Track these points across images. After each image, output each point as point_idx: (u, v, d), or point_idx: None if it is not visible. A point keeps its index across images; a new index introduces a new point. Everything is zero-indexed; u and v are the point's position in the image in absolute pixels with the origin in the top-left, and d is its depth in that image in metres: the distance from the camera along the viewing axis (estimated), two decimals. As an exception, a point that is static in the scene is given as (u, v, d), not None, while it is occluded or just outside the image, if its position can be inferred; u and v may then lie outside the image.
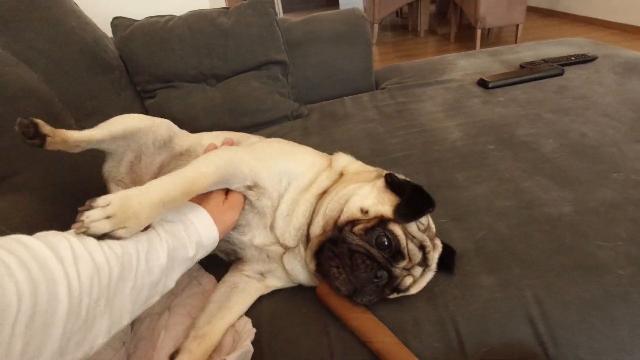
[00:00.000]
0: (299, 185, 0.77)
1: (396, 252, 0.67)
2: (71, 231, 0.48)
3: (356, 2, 5.75)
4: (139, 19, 1.52)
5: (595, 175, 0.96)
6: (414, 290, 0.72)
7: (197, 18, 1.48)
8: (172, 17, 1.51)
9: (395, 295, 0.71)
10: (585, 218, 0.84)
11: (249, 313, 0.77)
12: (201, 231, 0.63)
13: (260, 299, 0.79)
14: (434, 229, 0.76)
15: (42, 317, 0.37)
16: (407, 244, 0.68)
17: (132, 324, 0.78)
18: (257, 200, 0.75)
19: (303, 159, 0.81)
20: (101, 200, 0.51)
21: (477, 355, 0.66)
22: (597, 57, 1.63)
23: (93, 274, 0.44)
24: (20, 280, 0.37)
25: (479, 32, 3.98)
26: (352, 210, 0.70)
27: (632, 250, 0.76)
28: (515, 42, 3.99)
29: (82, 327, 0.42)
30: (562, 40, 1.94)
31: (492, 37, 4.66)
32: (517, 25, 4.02)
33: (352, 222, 0.69)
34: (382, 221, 0.68)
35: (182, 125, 1.46)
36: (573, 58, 1.61)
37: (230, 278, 0.79)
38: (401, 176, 0.77)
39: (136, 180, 0.94)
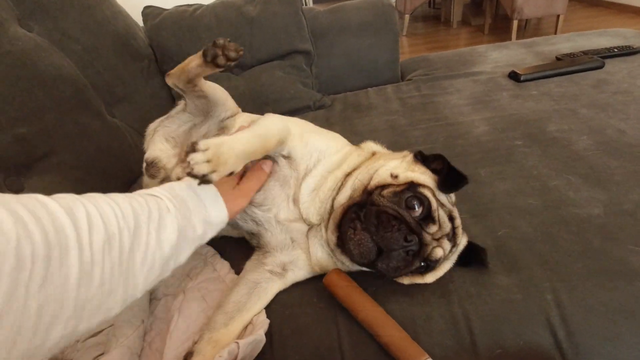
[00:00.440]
0: (328, 163, 0.78)
1: (427, 215, 0.67)
2: (92, 196, 0.49)
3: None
4: (169, 7, 1.55)
5: (631, 175, 0.90)
6: (430, 279, 0.71)
7: (224, 7, 1.50)
8: (200, 5, 1.53)
9: (412, 279, 0.70)
10: (617, 220, 0.79)
11: (261, 300, 0.78)
12: (210, 210, 0.62)
13: (273, 287, 0.80)
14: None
15: (55, 281, 0.38)
16: (437, 209, 0.68)
17: (150, 303, 0.81)
18: (285, 169, 0.77)
19: (335, 140, 0.84)
20: (201, 144, 0.58)
21: (491, 357, 0.64)
22: (644, 50, 1.52)
23: (105, 243, 0.44)
24: (36, 240, 0.37)
25: (515, 23, 3.80)
26: (382, 176, 0.72)
27: (668, 256, 0.71)
28: (555, 34, 3.77)
29: (96, 294, 0.43)
30: (604, 31, 1.81)
31: (530, 29, 4.42)
32: (558, 16, 3.80)
33: (382, 187, 0.70)
34: (412, 184, 0.69)
35: (206, 113, 1.49)
36: (615, 50, 1.51)
37: (252, 275, 0.77)
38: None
39: (183, 142, 0.95)
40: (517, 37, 3.87)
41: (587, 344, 0.63)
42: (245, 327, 0.72)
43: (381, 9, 1.66)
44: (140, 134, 1.34)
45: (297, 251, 0.78)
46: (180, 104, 0.98)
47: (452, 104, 1.36)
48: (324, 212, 0.75)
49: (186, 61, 0.85)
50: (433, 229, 0.67)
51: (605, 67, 1.43)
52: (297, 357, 0.68)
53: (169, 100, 1.55)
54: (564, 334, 0.64)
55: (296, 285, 0.79)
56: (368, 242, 0.65)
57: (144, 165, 0.94)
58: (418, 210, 0.67)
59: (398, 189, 0.68)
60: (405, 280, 0.71)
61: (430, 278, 0.71)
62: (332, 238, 0.72)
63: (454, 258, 0.73)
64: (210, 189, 0.65)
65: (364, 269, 0.73)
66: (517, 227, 0.81)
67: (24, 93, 0.95)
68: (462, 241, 0.74)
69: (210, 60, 0.75)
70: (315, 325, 0.72)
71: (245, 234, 0.84)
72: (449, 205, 0.70)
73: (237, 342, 0.63)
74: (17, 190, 0.90)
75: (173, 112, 1.00)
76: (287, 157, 0.77)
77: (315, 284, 0.78)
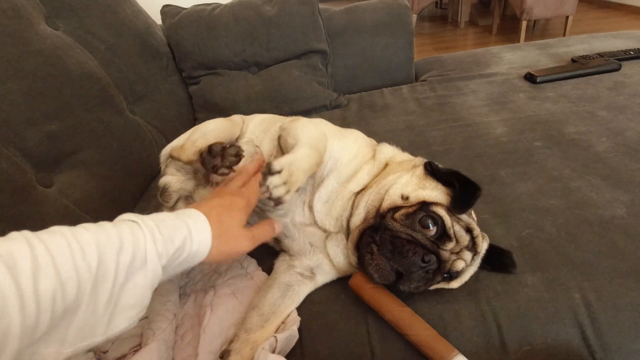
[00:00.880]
0: (339, 174, 0.77)
1: (442, 234, 0.67)
2: (53, 233, 0.44)
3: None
4: (187, 7, 1.56)
5: (654, 177, 0.91)
6: (456, 284, 0.71)
7: (242, 6, 1.51)
8: (218, 5, 1.55)
9: (437, 285, 0.71)
10: (640, 221, 0.80)
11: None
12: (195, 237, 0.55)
13: (301, 283, 0.81)
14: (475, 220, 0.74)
15: None
16: (452, 225, 0.67)
17: (180, 299, 0.82)
18: None
19: (351, 146, 0.80)
20: (276, 165, 0.60)
21: (519, 353, 0.66)
22: (660, 52, 1.52)
23: (56, 288, 0.39)
24: None
25: (524, 24, 3.79)
26: (392, 197, 0.71)
27: (693, 258, 0.72)
28: (564, 36, 3.77)
29: (42, 338, 0.39)
30: (619, 33, 1.82)
31: (538, 30, 4.42)
32: (567, 17, 3.79)
33: (394, 209, 0.70)
34: (424, 204, 0.68)
35: (224, 111, 1.51)
36: (632, 52, 1.51)
37: (284, 277, 0.78)
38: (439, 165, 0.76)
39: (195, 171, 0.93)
40: (526, 38, 3.87)
41: (616, 343, 0.64)
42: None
43: (397, 10, 1.67)
44: (160, 132, 1.36)
45: (318, 255, 0.79)
46: None
47: (468, 105, 1.37)
48: (340, 227, 0.76)
49: (180, 152, 0.83)
50: (450, 245, 0.66)
51: (621, 70, 1.43)
52: (327, 352, 0.70)
53: (186, 98, 1.57)
54: (592, 332, 0.65)
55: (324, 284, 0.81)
56: (386, 266, 0.66)
57: (158, 190, 0.92)
58: (433, 229, 0.66)
59: (410, 210, 0.68)
60: (432, 287, 0.71)
61: (455, 284, 0.71)
62: (353, 258, 0.73)
63: (478, 262, 0.72)
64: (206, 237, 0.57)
65: None
66: (541, 227, 0.82)
67: (53, 90, 0.97)
68: (484, 245, 0.73)
69: (211, 170, 0.73)
70: (344, 321, 0.73)
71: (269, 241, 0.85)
72: (465, 218, 0.69)
73: (275, 336, 0.64)
74: (47, 185, 0.92)
75: None
76: None
77: (343, 282, 0.79)
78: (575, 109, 1.24)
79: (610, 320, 0.65)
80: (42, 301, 0.38)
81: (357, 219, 0.73)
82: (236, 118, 1.00)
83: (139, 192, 1.18)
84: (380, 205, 0.71)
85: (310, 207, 0.77)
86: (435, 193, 0.70)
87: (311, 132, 0.75)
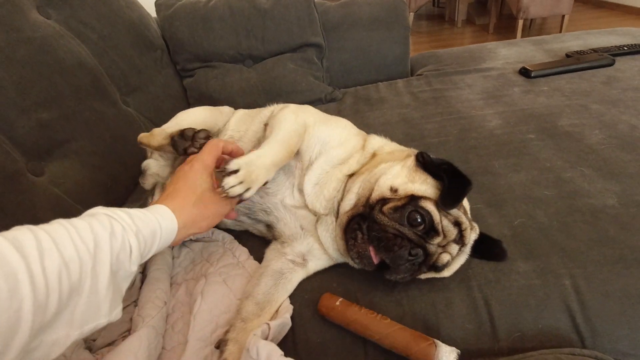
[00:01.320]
0: (329, 156, 0.78)
1: (430, 229, 0.67)
2: (50, 223, 0.46)
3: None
4: (182, -1, 1.55)
5: (645, 168, 0.91)
6: (447, 273, 0.72)
7: (237, -1, 1.50)
8: (213, -3, 1.54)
9: (427, 275, 0.71)
10: (631, 211, 0.81)
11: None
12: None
13: (292, 272, 0.81)
14: (469, 213, 0.75)
15: (5, 313, 0.36)
16: (440, 220, 0.67)
17: (171, 287, 0.82)
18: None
19: (340, 131, 0.83)
20: (232, 164, 0.63)
21: (510, 340, 0.66)
22: (653, 48, 1.53)
23: (61, 268, 0.42)
24: None
25: (520, 22, 3.81)
26: (382, 188, 0.71)
27: (683, 246, 0.72)
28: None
29: (52, 320, 0.41)
30: (614, 30, 1.82)
31: (535, 29, 4.44)
32: (563, 16, 3.81)
33: (383, 201, 0.70)
34: (412, 199, 0.68)
35: (218, 104, 1.50)
36: (625, 48, 1.52)
37: (276, 265, 0.78)
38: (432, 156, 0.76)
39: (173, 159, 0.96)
40: (522, 37, 3.88)
41: (605, 328, 0.64)
42: None
43: (393, 4, 1.67)
44: (154, 124, 1.35)
45: (309, 239, 0.79)
46: None
47: (463, 99, 1.37)
48: (331, 209, 0.77)
49: (149, 138, 0.86)
50: (437, 240, 0.67)
51: (615, 65, 1.44)
52: (319, 340, 0.70)
53: (181, 91, 1.56)
54: (582, 318, 0.65)
55: (315, 272, 0.80)
56: (367, 253, 0.68)
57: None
58: (420, 225, 0.67)
59: (399, 203, 0.68)
60: (422, 276, 0.71)
61: (446, 273, 0.71)
62: (341, 243, 0.73)
63: (467, 251, 0.73)
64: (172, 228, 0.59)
65: None
66: (533, 216, 0.83)
67: (44, 79, 0.96)
68: (476, 229, 0.74)
69: (182, 152, 0.76)
70: (336, 309, 0.73)
71: (262, 227, 0.86)
72: (453, 212, 0.69)
73: (268, 324, 0.64)
74: (38, 174, 0.91)
75: None
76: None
77: (335, 270, 0.80)
78: (569, 103, 1.24)
79: (599, 306, 0.66)
80: (50, 280, 0.40)
81: (347, 204, 0.73)
82: (226, 109, 1.00)
83: (132, 184, 1.17)
84: (370, 195, 0.71)
85: (301, 190, 0.78)
86: (424, 187, 0.70)
87: (288, 124, 0.76)
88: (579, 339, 0.64)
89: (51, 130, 0.95)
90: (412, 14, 4.62)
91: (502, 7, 4.59)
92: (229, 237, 0.91)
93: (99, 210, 0.52)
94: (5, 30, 0.92)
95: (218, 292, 0.77)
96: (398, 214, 0.67)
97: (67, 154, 0.98)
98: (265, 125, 0.85)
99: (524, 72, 1.47)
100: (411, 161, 0.74)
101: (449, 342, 0.61)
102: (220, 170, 0.64)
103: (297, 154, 0.79)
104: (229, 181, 0.62)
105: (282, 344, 0.69)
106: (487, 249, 0.74)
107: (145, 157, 0.97)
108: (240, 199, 0.65)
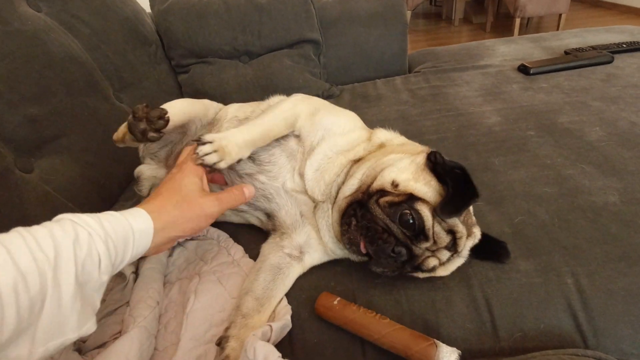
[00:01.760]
0: (332, 142, 0.78)
1: (419, 233, 0.65)
2: (8, 233, 0.44)
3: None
4: (177, -7, 1.53)
5: (646, 165, 0.90)
6: (442, 273, 0.70)
7: (233, -6, 1.48)
8: (208, -8, 1.51)
9: (421, 274, 0.69)
10: (633, 208, 0.80)
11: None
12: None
13: (289, 270, 0.79)
14: (473, 218, 0.72)
15: None
16: (432, 226, 0.64)
17: (164, 287, 0.80)
18: (292, 142, 0.78)
19: (345, 120, 0.83)
20: (207, 136, 0.66)
21: (511, 339, 0.64)
22: (652, 45, 1.52)
23: (17, 281, 0.39)
24: None
25: (517, 21, 3.81)
26: (384, 179, 0.69)
27: (686, 243, 0.71)
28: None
29: (11, 338, 0.38)
30: (612, 28, 1.82)
31: (532, 28, 4.44)
32: (560, 15, 3.82)
33: (382, 192, 0.68)
34: (410, 198, 0.66)
35: (214, 100, 1.48)
36: (624, 45, 1.51)
37: (273, 259, 0.76)
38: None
39: (169, 155, 0.94)
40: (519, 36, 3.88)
41: (607, 327, 0.63)
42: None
43: (390, 0, 1.65)
44: (148, 120, 1.32)
45: (307, 228, 0.78)
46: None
47: (462, 96, 1.36)
48: (329, 194, 0.76)
49: (119, 133, 0.83)
50: (425, 244, 0.65)
51: (614, 62, 1.43)
52: (316, 340, 0.68)
53: (176, 87, 1.54)
54: (584, 317, 0.64)
55: (313, 270, 0.79)
56: (357, 241, 0.68)
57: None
58: (410, 227, 0.65)
59: (396, 199, 0.66)
60: (420, 275, 0.70)
61: (442, 272, 0.70)
62: (337, 228, 0.72)
63: (464, 255, 0.70)
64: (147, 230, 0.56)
65: None
66: (534, 214, 0.81)
67: (34, 73, 0.93)
68: (475, 236, 0.71)
69: (141, 138, 0.71)
70: (333, 308, 0.71)
71: (261, 216, 0.84)
72: (450, 220, 0.66)
73: (271, 325, 0.62)
74: (27, 170, 0.88)
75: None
76: (297, 135, 0.79)
77: (333, 268, 0.78)
78: (569, 100, 1.23)
79: (602, 305, 0.64)
80: (4, 294, 0.37)
81: (348, 189, 0.72)
82: (207, 101, 0.98)
83: (125, 180, 1.14)
84: (371, 184, 0.70)
85: (302, 175, 0.78)
86: (425, 189, 0.67)
87: (278, 111, 0.77)
88: (581, 339, 0.63)
89: (41, 125, 0.92)
90: (409, 12, 4.61)
91: (499, 5, 4.59)
92: (224, 235, 0.89)
93: (64, 216, 0.48)
94: (-7, 22, 0.89)
95: (212, 290, 0.75)
96: (392, 209, 0.66)
97: (58, 150, 0.96)
98: None
99: (523, 69, 1.46)
100: (421, 159, 0.72)
101: (449, 342, 0.60)
102: (196, 139, 0.66)
103: (299, 138, 0.79)
104: (204, 149, 0.65)
105: (278, 345, 0.67)
106: (490, 250, 0.72)
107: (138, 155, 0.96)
108: (212, 169, 0.66)
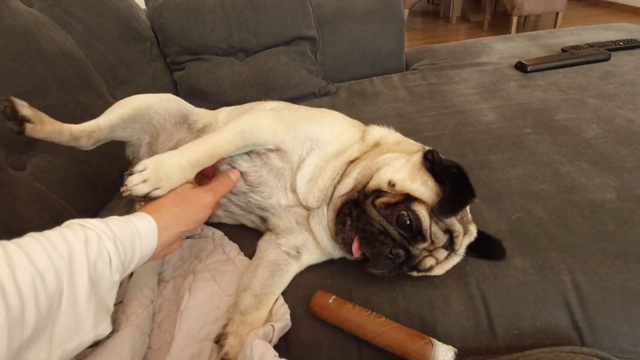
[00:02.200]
0: (324, 152, 0.76)
1: (417, 234, 0.64)
2: (22, 237, 0.45)
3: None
4: (172, -10, 1.51)
5: (643, 162, 0.90)
6: (438, 272, 0.69)
7: (229, -10, 1.46)
8: (203, -12, 1.49)
9: (416, 273, 0.69)
10: (630, 205, 0.79)
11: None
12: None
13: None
14: (469, 215, 0.72)
15: None
16: (430, 227, 0.64)
17: (158, 285, 0.79)
18: (275, 161, 0.75)
19: (330, 125, 0.79)
20: (139, 165, 0.61)
21: (508, 337, 0.64)
22: (649, 43, 1.52)
23: (35, 279, 0.40)
24: None
25: (514, 19, 3.81)
26: (381, 179, 0.68)
27: (683, 240, 0.71)
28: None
29: (32, 337, 0.39)
30: (609, 25, 1.82)
31: (529, 26, 4.44)
32: (557, 14, 3.82)
33: (378, 193, 0.67)
34: (407, 198, 0.65)
35: (209, 98, 1.47)
36: (621, 43, 1.51)
37: (271, 256, 0.76)
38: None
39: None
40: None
41: (604, 324, 0.63)
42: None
43: (388, -3, 1.64)
44: (143, 118, 1.31)
45: (304, 233, 0.77)
46: None
47: (459, 93, 1.35)
48: (324, 198, 0.75)
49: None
50: (423, 245, 0.65)
51: (611, 60, 1.43)
52: (312, 339, 0.67)
53: (171, 84, 1.52)
54: (581, 315, 0.64)
55: (309, 268, 0.78)
56: (352, 241, 0.67)
57: None
58: (408, 228, 0.64)
59: (392, 200, 0.65)
60: (415, 274, 0.69)
61: (438, 271, 0.69)
62: (333, 227, 0.71)
63: (461, 253, 0.70)
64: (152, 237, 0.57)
65: None
66: (531, 211, 0.81)
67: (26, 69, 0.92)
68: (471, 234, 0.70)
69: (17, 131, 0.68)
70: (329, 306, 0.70)
71: (256, 219, 0.83)
72: (447, 220, 0.65)
73: (273, 326, 0.62)
74: (19, 168, 0.87)
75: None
76: (277, 150, 0.75)
77: (329, 267, 0.78)
78: (566, 97, 1.23)
79: (599, 302, 0.64)
80: (24, 292, 0.39)
81: (344, 188, 0.71)
82: (172, 97, 0.94)
83: (119, 178, 1.12)
84: (367, 183, 0.69)
85: (294, 191, 0.76)
86: (422, 189, 0.66)
87: (234, 125, 0.71)
88: (578, 336, 0.63)
89: (33, 122, 0.90)
90: (406, 11, 4.60)
91: (497, 4, 4.59)
92: (219, 233, 0.88)
93: (73, 221, 0.50)
94: (-16, 17, 0.88)
95: (207, 288, 0.74)
96: (389, 211, 0.65)
97: (50, 147, 0.94)
98: None
99: (520, 67, 1.45)
100: (417, 158, 0.71)
101: (445, 340, 0.59)
102: (128, 172, 0.61)
103: (284, 155, 0.75)
104: (132, 179, 0.60)
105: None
106: (486, 248, 0.71)
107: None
108: (147, 199, 0.61)
